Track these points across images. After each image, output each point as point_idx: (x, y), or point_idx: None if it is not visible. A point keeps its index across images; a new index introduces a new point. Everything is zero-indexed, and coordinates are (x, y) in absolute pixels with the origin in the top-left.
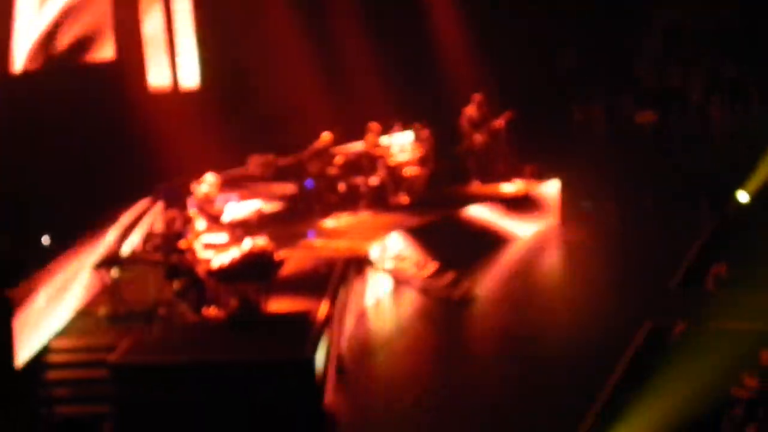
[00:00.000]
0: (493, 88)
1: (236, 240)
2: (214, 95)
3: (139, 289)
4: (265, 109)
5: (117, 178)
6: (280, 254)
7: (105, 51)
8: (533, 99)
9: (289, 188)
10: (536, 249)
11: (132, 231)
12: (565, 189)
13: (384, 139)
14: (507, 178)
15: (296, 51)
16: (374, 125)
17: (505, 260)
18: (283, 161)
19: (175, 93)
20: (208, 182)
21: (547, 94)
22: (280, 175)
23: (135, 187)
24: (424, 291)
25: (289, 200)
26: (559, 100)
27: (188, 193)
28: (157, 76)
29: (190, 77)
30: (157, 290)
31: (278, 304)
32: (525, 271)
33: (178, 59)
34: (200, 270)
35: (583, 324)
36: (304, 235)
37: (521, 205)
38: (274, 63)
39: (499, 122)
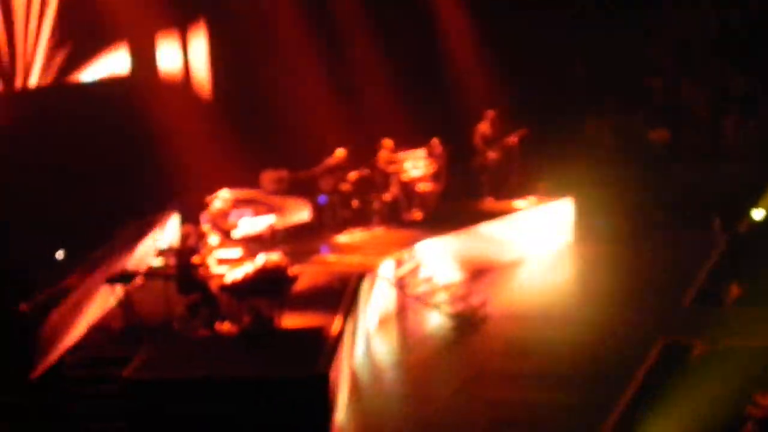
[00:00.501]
0: (506, 104)
1: (250, 255)
2: (228, 110)
3: (153, 303)
4: (278, 126)
5: (131, 192)
6: (293, 270)
7: (120, 66)
8: (545, 114)
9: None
10: (549, 266)
11: (147, 245)
12: (578, 206)
13: (398, 156)
14: (520, 194)
15: (310, 69)
16: (387, 141)
17: (519, 277)
18: (296, 177)
19: (190, 107)
20: (222, 198)
21: (559, 109)
22: (294, 190)
23: (149, 202)
24: (437, 308)
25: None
26: (571, 115)
27: (203, 208)
28: (171, 91)
29: (205, 90)
30: (170, 305)
31: (291, 320)
32: (538, 289)
33: (193, 73)
34: (213, 285)
35: (597, 341)
36: (317, 251)
37: (534, 222)
38: (289, 80)
39: (513, 139)
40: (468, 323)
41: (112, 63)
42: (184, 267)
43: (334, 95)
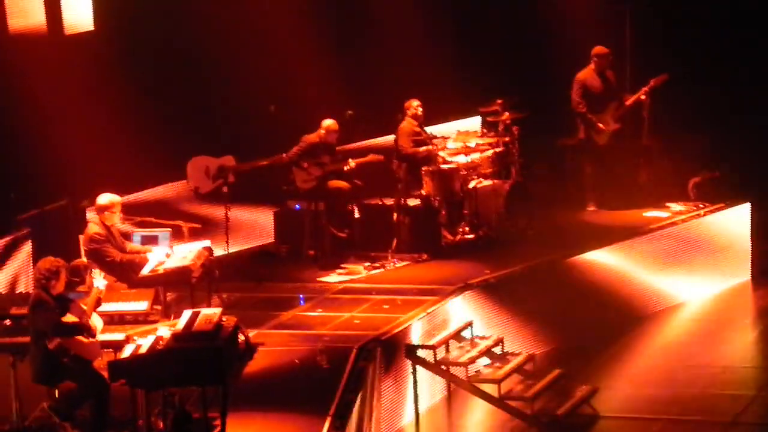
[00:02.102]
0: (624, 39)
1: (165, 310)
2: (122, 47)
3: None
4: (216, 73)
5: None
6: (246, 336)
7: None
8: (702, 52)
9: None
10: (707, 327)
11: None
12: (762, 220)
13: (432, 130)
14: (653, 198)
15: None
16: (413, 104)
17: (653, 347)
18: (251, 166)
19: (55, 41)
20: (107, 207)
21: (724, 42)
22: (244, 191)
23: None
24: (502, 403)
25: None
26: (746, 51)
27: (78, 226)
28: (23, 14)
29: (81, 15)
30: (20, 401)
31: (244, 427)
32: (687, 367)
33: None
34: (100, 365)
35: None
36: (291, 302)
37: (680, 248)
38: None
39: (640, 95)
40: (557, 428)
41: None
42: (45, 331)
43: (324, 28)
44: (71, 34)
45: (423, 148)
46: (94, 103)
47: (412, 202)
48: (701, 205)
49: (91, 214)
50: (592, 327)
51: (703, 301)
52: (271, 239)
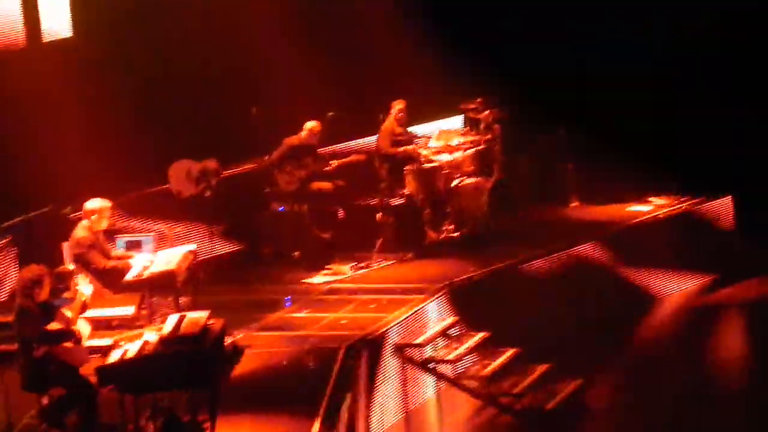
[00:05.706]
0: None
1: (151, 314)
2: (101, 53)
3: None
4: (197, 75)
5: None
6: (233, 339)
7: None
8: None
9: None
10: (688, 322)
11: None
12: (744, 213)
13: (415, 129)
14: (636, 194)
15: None
16: (398, 104)
17: (634, 343)
18: (233, 170)
19: (32, 51)
20: (96, 211)
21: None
22: (228, 194)
23: None
24: (492, 399)
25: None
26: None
27: (62, 233)
28: (2, 24)
29: (59, 22)
30: (9, 409)
31: (234, 430)
32: (668, 363)
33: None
34: (87, 371)
35: None
36: (277, 304)
37: (662, 242)
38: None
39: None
40: (541, 422)
41: None
42: (31, 340)
43: (306, 28)
44: (50, 41)
45: (401, 149)
46: (76, 109)
47: (396, 201)
48: (684, 199)
49: (81, 220)
50: (578, 322)
51: (687, 293)
52: (255, 242)
